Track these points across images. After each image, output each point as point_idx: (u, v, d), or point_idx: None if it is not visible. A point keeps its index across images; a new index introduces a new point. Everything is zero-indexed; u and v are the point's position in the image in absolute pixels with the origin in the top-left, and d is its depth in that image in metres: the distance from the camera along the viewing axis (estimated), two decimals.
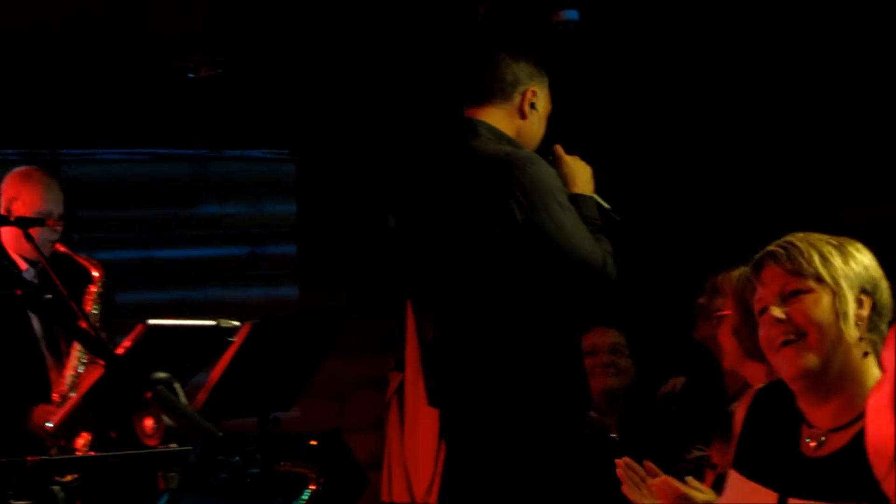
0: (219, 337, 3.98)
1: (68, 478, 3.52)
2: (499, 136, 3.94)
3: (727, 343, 3.56)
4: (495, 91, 3.98)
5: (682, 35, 5.46)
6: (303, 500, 4.16)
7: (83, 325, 4.47)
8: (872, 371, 2.69)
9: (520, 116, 3.99)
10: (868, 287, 2.73)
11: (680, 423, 4.67)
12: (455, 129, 4.02)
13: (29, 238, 4.69)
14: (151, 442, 3.74)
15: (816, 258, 2.73)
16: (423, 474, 6.02)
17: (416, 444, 6.08)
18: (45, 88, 5.75)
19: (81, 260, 4.96)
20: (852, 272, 2.73)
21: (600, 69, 5.74)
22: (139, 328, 3.80)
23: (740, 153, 5.91)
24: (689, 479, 3.14)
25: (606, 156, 4.41)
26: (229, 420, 4.26)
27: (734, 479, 2.88)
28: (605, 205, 4.02)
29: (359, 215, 6.48)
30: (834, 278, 2.71)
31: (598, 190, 4.02)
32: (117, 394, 3.75)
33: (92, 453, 4.22)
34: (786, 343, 2.72)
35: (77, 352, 4.80)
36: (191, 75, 5.66)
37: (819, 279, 2.72)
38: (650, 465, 3.22)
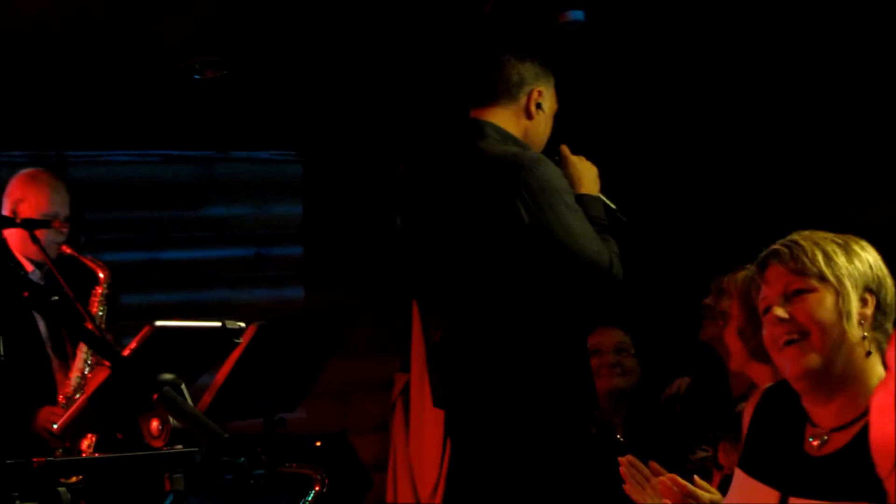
0: (225, 338, 3.97)
1: (74, 479, 3.51)
2: (505, 136, 3.94)
3: (733, 345, 3.56)
4: (501, 92, 3.99)
5: (688, 35, 5.45)
6: (307, 501, 4.17)
7: (89, 326, 4.47)
8: (876, 370, 2.69)
9: (526, 117, 4.00)
10: (872, 286, 2.73)
11: (685, 424, 4.66)
12: (461, 129, 4.02)
13: (35, 240, 4.70)
14: (157, 443, 3.74)
15: (820, 257, 2.72)
16: (427, 476, 6.01)
17: (421, 446, 6.08)
18: (51, 90, 5.75)
19: (87, 262, 4.97)
20: (856, 271, 2.72)
21: (606, 69, 5.74)
22: (145, 329, 3.80)
23: (747, 152, 5.91)
24: (696, 478, 3.13)
25: (612, 156, 4.40)
26: (235, 421, 4.26)
27: (739, 478, 2.89)
28: (611, 205, 4.02)
29: (365, 217, 6.48)
30: (837, 277, 2.71)
31: (603, 190, 4.02)
32: (123, 395, 3.75)
33: (97, 455, 4.22)
34: (789, 342, 2.72)
35: (83, 353, 4.81)
36: (197, 77, 5.66)
37: (822, 278, 2.71)
38: (655, 465, 3.21)
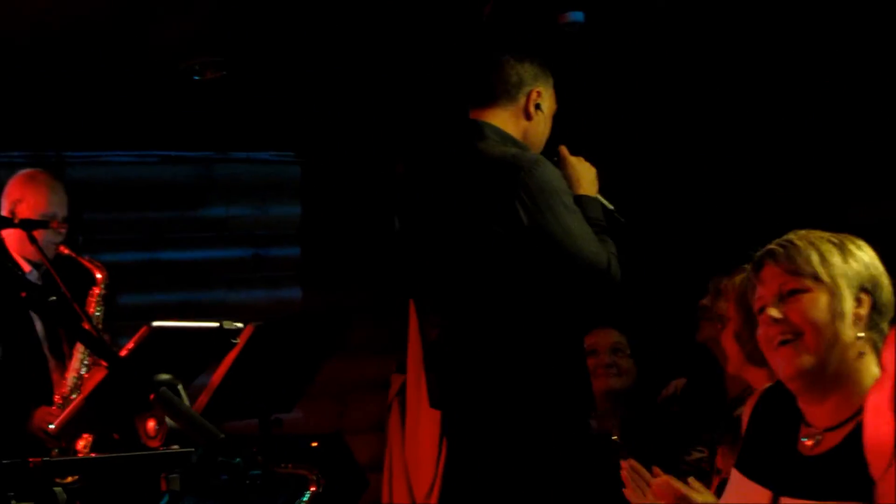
0: (222, 339, 3.98)
1: (70, 479, 3.51)
2: (504, 137, 3.94)
3: (730, 348, 3.55)
4: (500, 92, 3.99)
5: (688, 35, 5.45)
6: (303, 501, 4.16)
7: (86, 326, 4.47)
8: (870, 370, 2.68)
9: (525, 118, 4.00)
10: (868, 285, 2.72)
11: (681, 425, 4.66)
12: (461, 130, 4.02)
13: (33, 240, 4.70)
14: (153, 443, 3.74)
15: (815, 257, 2.72)
16: (423, 476, 6.01)
17: (417, 447, 6.07)
18: (50, 90, 5.75)
19: (85, 262, 4.96)
20: (851, 271, 2.72)
21: (606, 70, 5.73)
22: (142, 330, 3.80)
23: (745, 153, 5.91)
24: (691, 480, 3.13)
25: (611, 156, 4.40)
26: (231, 422, 4.26)
27: (734, 478, 2.89)
28: (610, 206, 4.02)
29: (363, 218, 6.48)
30: (832, 277, 2.70)
31: (602, 191, 4.02)
32: (120, 395, 3.75)
33: (93, 455, 4.22)
34: (783, 343, 2.72)
35: (80, 354, 4.80)
36: (197, 77, 5.65)
37: (816, 278, 2.71)
38: (658, 470, 3.21)
